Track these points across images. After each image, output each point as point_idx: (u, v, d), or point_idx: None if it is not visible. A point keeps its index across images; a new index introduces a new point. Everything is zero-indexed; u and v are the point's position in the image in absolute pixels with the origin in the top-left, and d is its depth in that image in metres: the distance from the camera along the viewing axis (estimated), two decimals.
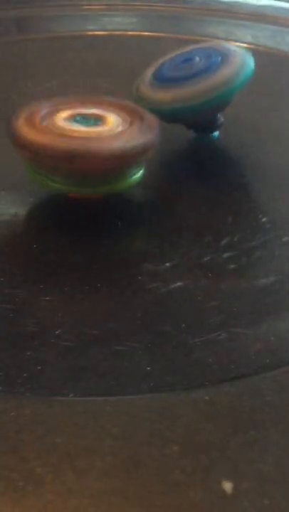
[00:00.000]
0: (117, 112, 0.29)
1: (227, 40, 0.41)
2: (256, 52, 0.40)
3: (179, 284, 0.26)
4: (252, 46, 0.41)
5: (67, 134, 0.28)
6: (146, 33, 0.43)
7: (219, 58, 0.31)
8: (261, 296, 0.26)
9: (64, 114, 0.29)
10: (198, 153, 0.33)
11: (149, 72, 0.32)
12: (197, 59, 0.31)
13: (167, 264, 0.27)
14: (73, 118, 0.29)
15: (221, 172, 0.31)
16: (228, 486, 0.18)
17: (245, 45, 0.41)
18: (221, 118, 0.32)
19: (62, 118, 0.28)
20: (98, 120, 0.29)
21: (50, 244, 0.28)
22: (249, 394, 0.21)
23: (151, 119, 0.29)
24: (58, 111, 0.29)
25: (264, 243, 0.28)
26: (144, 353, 0.23)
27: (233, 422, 0.20)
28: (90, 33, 0.43)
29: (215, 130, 0.32)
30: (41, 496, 0.18)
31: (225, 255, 0.27)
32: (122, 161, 0.28)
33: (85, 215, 0.29)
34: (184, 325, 0.24)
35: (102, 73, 0.38)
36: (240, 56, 0.31)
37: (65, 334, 0.24)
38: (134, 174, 0.29)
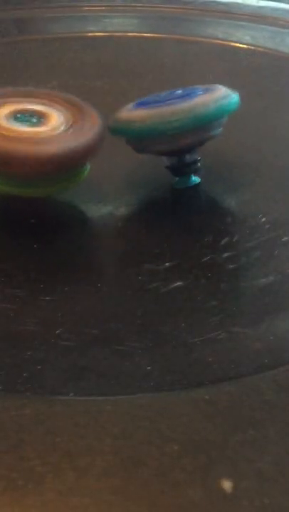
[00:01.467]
0: (60, 109, 0.29)
1: (227, 41, 0.41)
2: (256, 53, 0.40)
3: (179, 284, 0.26)
4: (251, 47, 0.41)
5: (7, 135, 0.27)
6: (147, 34, 0.43)
7: (202, 92, 0.29)
8: (261, 296, 0.26)
9: (6, 109, 0.28)
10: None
11: (129, 105, 0.30)
12: (180, 91, 0.29)
13: (167, 264, 0.27)
14: (15, 115, 0.28)
15: (220, 172, 0.31)
16: (227, 485, 0.18)
17: (244, 45, 0.41)
18: (199, 161, 0.30)
19: (4, 115, 0.28)
20: (41, 118, 0.28)
21: (50, 244, 0.28)
22: (249, 393, 0.21)
23: (94, 118, 0.28)
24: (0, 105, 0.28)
25: (263, 243, 0.28)
26: (144, 353, 0.23)
27: (233, 421, 0.20)
28: (90, 34, 0.43)
29: (192, 172, 0.30)
30: (41, 495, 0.18)
31: (224, 255, 0.27)
32: (61, 165, 0.27)
33: (84, 216, 0.29)
34: (183, 325, 0.24)
35: (102, 74, 0.38)
36: (224, 90, 0.29)
37: (66, 334, 0.24)
38: (80, 173, 0.29)
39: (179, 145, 0.29)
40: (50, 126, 0.28)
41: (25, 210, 0.29)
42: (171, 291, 0.25)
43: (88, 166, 0.29)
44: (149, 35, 0.43)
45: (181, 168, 0.30)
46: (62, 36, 0.42)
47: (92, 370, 0.23)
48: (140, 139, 0.29)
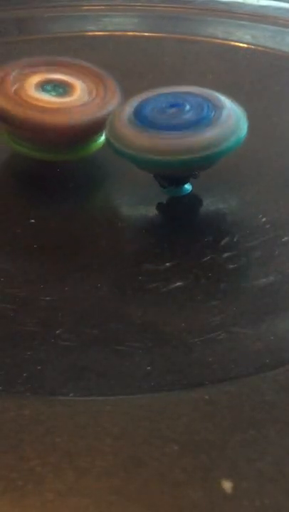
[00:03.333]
0: (84, 80, 0.31)
1: (227, 40, 0.41)
2: (256, 53, 0.40)
3: (179, 284, 0.26)
4: (252, 46, 0.41)
5: (37, 104, 0.29)
6: (147, 34, 0.43)
7: (212, 114, 0.28)
8: (261, 296, 0.26)
9: (34, 79, 0.30)
10: None
11: (129, 107, 0.29)
12: (187, 107, 0.28)
13: (167, 264, 0.27)
14: (42, 86, 0.30)
15: (220, 172, 0.31)
16: (227, 485, 0.18)
17: (245, 45, 0.41)
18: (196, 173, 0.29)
19: (32, 85, 0.30)
20: (66, 88, 0.30)
21: (50, 244, 0.28)
22: (249, 393, 0.21)
23: (114, 89, 0.31)
24: (28, 75, 0.31)
25: (264, 243, 0.28)
26: (144, 353, 0.23)
27: (233, 421, 0.20)
28: (90, 33, 0.43)
29: (185, 182, 0.29)
30: (41, 496, 0.18)
31: (225, 255, 0.27)
32: (85, 133, 0.30)
33: (84, 216, 0.29)
34: (183, 325, 0.24)
35: None
36: (235, 117, 0.28)
37: (65, 334, 0.24)
38: (97, 140, 0.30)
39: (181, 173, 0.29)
40: (76, 96, 0.30)
41: (25, 209, 0.29)
42: (171, 291, 0.25)
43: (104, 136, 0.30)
44: (149, 34, 0.43)
45: (173, 179, 0.29)
46: (62, 36, 0.42)
47: (92, 370, 0.23)
48: (137, 163, 0.28)
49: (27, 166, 0.31)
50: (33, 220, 0.29)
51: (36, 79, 0.30)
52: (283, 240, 0.28)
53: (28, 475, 0.19)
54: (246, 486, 0.18)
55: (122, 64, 0.39)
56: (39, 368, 0.23)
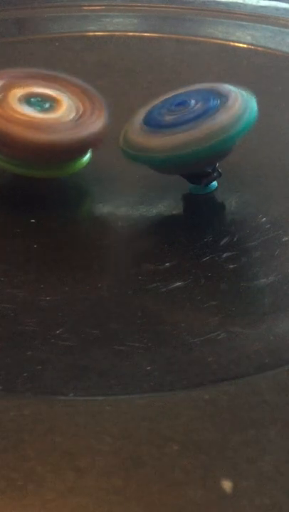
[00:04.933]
0: (71, 97, 0.29)
1: (227, 40, 0.41)
2: (256, 53, 0.40)
3: (178, 284, 0.26)
4: (251, 47, 0.41)
5: (20, 119, 0.28)
6: (147, 34, 0.43)
7: (218, 101, 0.28)
8: (261, 296, 0.26)
9: (19, 91, 0.29)
10: None
11: (138, 118, 0.29)
12: (193, 102, 0.28)
13: (167, 264, 0.27)
14: (28, 99, 0.29)
15: (219, 172, 0.31)
16: (227, 485, 0.18)
17: (244, 45, 0.41)
18: (218, 169, 0.29)
19: (17, 97, 0.29)
20: (52, 103, 0.29)
21: (50, 244, 0.28)
22: (248, 393, 0.21)
23: (100, 107, 0.29)
24: (13, 86, 0.29)
25: (263, 243, 0.28)
26: (144, 352, 0.23)
27: (233, 421, 0.20)
28: (91, 33, 0.43)
29: (211, 181, 0.30)
30: (41, 495, 0.18)
31: (224, 255, 0.27)
32: (65, 153, 0.28)
33: (84, 216, 0.29)
34: (183, 325, 0.24)
35: (102, 74, 0.38)
36: (241, 99, 0.28)
37: (66, 334, 0.24)
38: (81, 159, 0.29)
39: (200, 166, 0.29)
40: (61, 112, 0.29)
41: (25, 209, 0.29)
42: (171, 291, 0.25)
43: (90, 153, 0.29)
44: (149, 34, 0.43)
45: (200, 177, 0.29)
46: (63, 36, 0.42)
47: (92, 370, 0.23)
48: (156, 167, 0.28)
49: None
50: (33, 220, 0.29)
51: (21, 91, 0.29)
52: (283, 239, 0.28)
53: (28, 475, 0.19)
54: (246, 486, 0.18)
55: (122, 64, 0.39)
56: (39, 367, 0.23)
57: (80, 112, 0.29)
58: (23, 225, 0.29)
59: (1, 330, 0.24)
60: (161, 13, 0.45)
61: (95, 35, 0.43)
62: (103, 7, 0.45)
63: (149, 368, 0.23)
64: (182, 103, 0.28)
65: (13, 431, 0.20)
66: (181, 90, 0.30)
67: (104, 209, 0.30)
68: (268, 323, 0.25)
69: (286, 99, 0.37)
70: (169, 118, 0.28)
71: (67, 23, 0.44)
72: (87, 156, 0.29)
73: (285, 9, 0.45)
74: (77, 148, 0.28)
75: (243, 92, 0.28)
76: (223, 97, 0.28)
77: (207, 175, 0.29)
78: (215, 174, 0.29)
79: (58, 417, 0.20)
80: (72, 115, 0.28)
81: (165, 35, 0.42)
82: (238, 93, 0.28)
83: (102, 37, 0.43)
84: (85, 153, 0.29)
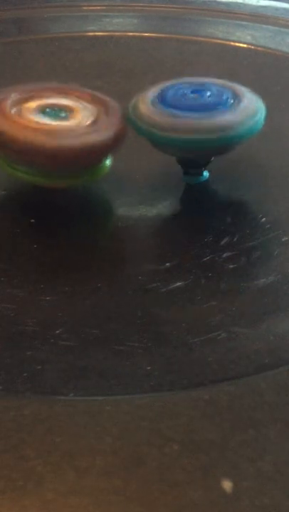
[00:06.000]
0: (86, 105, 0.29)
1: (227, 40, 0.41)
2: (256, 53, 0.40)
3: (179, 284, 0.26)
4: (252, 47, 0.41)
5: (34, 127, 0.28)
6: (147, 34, 0.43)
7: (232, 100, 0.29)
8: (261, 295, 0.26)
9: (33, 103, 0.29)
10: None
11: (151, 93, 0.29)
12: (208, 93, 0.29)
13: (167, 264, 0.27)
14: (43, 110, 0.29)
15: (220, 172, 0.31)
16: (227, 485, 0.18)
17: (245, 45, 0.41)
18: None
19: (32, 109, 0.28)
20: (67, 112, 0.29)
21: (50, 244, 0.28)
22: (249, 393, 0.21)
23: (117, 114, 0.29)
24: (27, 99, 0.29)
25: (263, 243, 0.28)
26: (144, 352, 0.23)
27: (233, 421, 0.20)
28: (90, 33, 0.43)
29: (203, 167, 0.30)
30: (41, 495, 0.18)
31: (224, 255, 0.27)
32: (81, 159, 0.28)
33: (85, 216, 0.29)
34: (184, 325, 0.24)
35: (102, 74, 0.38)
36: (253, 106, 0.29)
37: (66, 334, 0.24)
38: (102, 166, 0.29)
39: (198, 155, 0.29)
40: (77, 120, 0.28)
41: (25, 209, 0.29)
42: (171, 291, 0.25)
43: (109, 161, 0.29)
44: (149, 34, 0.43)
45: (193, 164, 0.30)
46: (63, 36, 0.42)
47: (92, 370, 0.23)
48: (156, 143, 0.29)
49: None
50: (33, 220, 0.29)
51: (36, 103, 0.29)
52: (283, 239, 0.28)
53: (28, 475, 0.19)
54: (246, 486, 0.18)
55: (122, 64, 0.39)
56: (39, 367, 0.23)
57: (95, 118, 0.28)
58: (23, 225, 0.29)
59: (1, 330, 0.24)
60: (162, 13, 0.45)
61: (95, 35, 0.43)
62: (103, 7, 0.45)
63: (149, 368, 0.23)
64: (198, 91, 0.29)
65: (13, 431, 0.20)
66: (197, 79, 0.30)
67: (104, 209, 0.30)
68: (267, 323, 0.25)
69: (286, 99, 0.37)
70: (182, 101, 0.29)
71: (67, 23, 0.44)
72: (108, 162, 0.29)
73: (285, 9, 0.45)
74: (94, 153, 0.28)
75: (256, 100, 0.29)
76: (237, 98, 0.29)
77: (197, 166, 0.30)
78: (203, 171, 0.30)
79: (58, 417, 0.20)
80: (88, 121, 0.28)
81: (165, 35, 0.42)
82: (251, 99, 0.29)
83: (102, 37, 0.43)
84: (104, 158, 0.29)
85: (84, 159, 0.28)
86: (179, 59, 0.41)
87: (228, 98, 0.29)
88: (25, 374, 0.22)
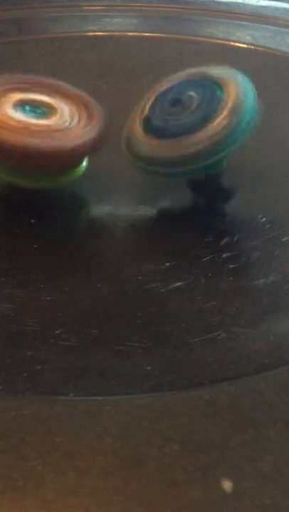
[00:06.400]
0: (66, 102, 0.29)
1: (227, 40, 0.41)
2: (256, 53, 0.40)
3: (179, 284, 0.26)
4: (252, 47, 0.41)
5: (17, 126, 0.27)
6: (147, 34, 0.43)
7: (216, 95, 0.28)
8: (260, 295, 0.26)
9: (12, 98, 0.28)
10: None
11: (137, 125, 0.28)
12: (189, 97, 0.28)
13: (167, 264, 0.27)
14: (23, 106, 0.28)
15: (220, 172, 0.31)
16: (227, 485, 0.18)
17: (245, 45, 0.41)
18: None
19: (11, 103, 0.28)
20: (48, 110, 0.28)
21: (50, 244, 0.28)
22: (248, 393, 0.21)
23: (98, 115, 0.28)
24: (8, 92, 0.28)
25: (263, 243, 0.28)
26: (144, 353, 0.23)
27: (233, 421, 0.20)
28: (90, 33, 0.43)
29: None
30: (42, 495, 0.18)
31: (224, 255, 0.27)
32: (61, 161, 0.28)
33: (85, 216, 0.29)
34: (184, 325, 0.24)
35: (102, 74, 0.38)
36: (239, 89, 0.28)
37: (66, 334, 0.24)
38: (77, 168, 0.29)
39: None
40: (56, 119, 0.28)
41: (25, 210, 0.29)
42: (171, 291, 0.25)
43: (85, 163, 0.29)
44: (149, 34, 0.43)
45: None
46: (63, 36, 0.42)
47: (92, 370, 0.23)
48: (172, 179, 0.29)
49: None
50: (33, 220, 0.29)
51: (16, 97, 0.28)
52: (283, 239, 0.28)
53: (28, 475, 0.19)
54: (246, 486, 0.18)
55: (122, 64, 0.39)
56: (39, 367, 0.23)
57: (76, 120, 0.28)
58: (23, 225, 0.29)
59: (1, 330, 0.24)
60: (162, 13, 0.45)
61: (95, 35, 0.43)
62: (103, 7, 0.45)
63: (149, 368, 0.23)
64: (178, 100, 0.28)
65: (13, 431, 0.20)
66: (171, 80, 0.29)
67: (104, 209, 0.30)
68: (267, 323, 0.25)
69: (286, 99, 0.37)
70: (171, 123, 0.28)
71: (67, 23, 0.44)
72: (83, 165, 0.29)
73: (284, 9, 0.45)
74: (71, 157, 0.28)
75: (237, 77, 0.28)
76: (218, 87, 0.28)
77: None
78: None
79: (58, 417, 0.20)
80: (66, 123, 0.28)
81: (165, 35, 0.42)
82: (232, 81, 0.28)
83: (102, 37, 0.43)
84: (79, 162, 0.29)
85: (62, 161, 0.28)
86: (179, 59, 0.41)
87: (211, 94, 0.28)
88: (25, 374, 0.22)
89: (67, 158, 0.28)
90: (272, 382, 0.21)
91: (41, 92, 0.29)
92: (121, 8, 0.45)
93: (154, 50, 0.41)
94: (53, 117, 0.28)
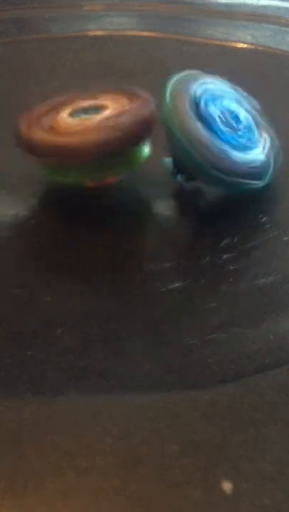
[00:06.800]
0: (115, 97, 0.30)
1: (227, 40, 0.41)
2: (256, 52, 0.40)
3: (179, 284, 0.26)
4: (252, 46, 0.41)
5: (65, 130, 0.28)
6: (147, 34, 0.43)
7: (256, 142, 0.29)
8: (261, 296, 0.26)
9: (65, 111, 0.29)
10: None
11: (184, 104, 0.29)
12: (243, 116, 0.29)
13: (167, 264, 0.27)
14: (74, 113, 0.29)
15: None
16: (227, 486, 0.18)
17: (245, 45, 0.41)
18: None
19: (65, 115, 0.29)
20: (98, 109, 0.29)
21: (51, 244, 0.28)
22: (249, 393, 0.21)
23: (145, 98, 0.29)
24: (58, 110, 0.29)
25: (264, 243, 0.28)
26: (144, 353, 0.23)
27: (233, 421, 0.20)
28: (90, 33, 0.43)
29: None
30: (42, 495, 0.18)
31: (224, 255, 0.27)
32: (117, 142, 0.28)
33: (84, 216, 0.29)
34: (183, 325, 0.24)
35: (102, 74, 0.38)
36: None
37: (66, 334, 0.24)
38: (140, 152, 0.29)
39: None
40: (108, 110, 0.29)
41: (26, 209, 0.30)
42: (171, 291, 0.25)
43: (145, 148, 0.29)
44: (148, 34, 0.43)
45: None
46: (63, 36, 0.42)
47: (92, 370, 0.23)
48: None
49: None
50: (33, 220, 0.29)
51: (67, 110, 0.29)
52: (283, 239, 0.28)
53: (28, 475, 0.19)
54: (246, 486, 0.18)
55: (122, 64, 0.39)
56: (39, 368, 0.23)
57: (127, 103, 0.29)
58: (23, 225, 0.29)
59: (1, 330, 0.24)
60: (161, 13, 0.45)
61: (95, 35, 0.43)
62: (103, 7, 0.45)
63: (149, 368, 0.23)
64: (236, 117, 0.29)
65: (14, 431, 0.20)
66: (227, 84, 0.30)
67: (104, 209, 0.30)
68: (267, 323, 0.25)
69: (286, 99, 0.37)
70: (222, 129, 0.29)
71: (67, 23, 0.44)
72: (147, 150, 0.29)
73: (285, 9, 0.45)
74: (125, 137, 0.28)
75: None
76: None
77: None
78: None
79: (58, 417, 0.20)
80: (118, 110, 0.29)
81: (165, 36, 0.42)
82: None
83: (102, 37, 0.43)
84: (139, 141, 0.29)
85: (121, 142, 0.28)
86: (178, 59, 0.41)
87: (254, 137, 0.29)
88: (25, 374, 0.22)
89: (122, 138, 0.28)
90: (272, 382, 0.21)
91: (89, 99, 0.30)
92: (121, 7, 0.45)
93: (153, 50, 0.41)
94: (104, 111, 0.29)
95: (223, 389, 0.21)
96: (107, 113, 0.29)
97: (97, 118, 0.29)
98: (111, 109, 0.29)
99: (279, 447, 0.19)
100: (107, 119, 0.28)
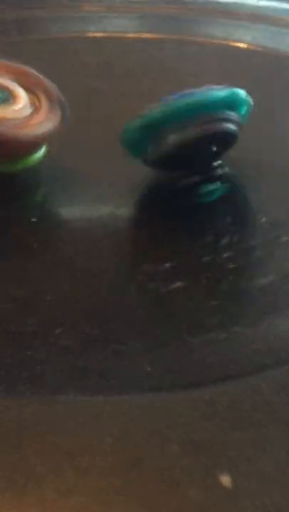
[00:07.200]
0: (30, 90, 0.30)
1: (227, 40, 0.41)
2: (256, 53, 0.40)
3: (179, 284, 0.26)
4: (251, 47, 0.41)
5: None
6: (146, 35, 0.43)
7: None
8: (260, 295, 0.26)
9: None
10: None
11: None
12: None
13: (167, 264, 0.27)
14: None
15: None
16: (226, 479, 0.18)
17: (244, 45, 0.41)
18: (223, 166, 0.30)
19: None
20: (8, 96, 0.29)
21: (51, 244, 0.28)
22: (248, 393, 0.21)
23: (57, 106, 0.29)
24: None
25: (263, 243, 0.28)
26: (144, 353, 0.23)
27: (233, 421, 0.20)
28: (90, 34, 0.43)
29: (216, 180, 0.30)
30: (42, 495, 0.18)
31: (224, 255, 0.27)
32: (26, 147, 0.29)
33: (84, 217, 0.29)
34: (184, 325, 0.24)
35: (102, 74, 0.38)
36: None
37: (65, 334, 0.24)
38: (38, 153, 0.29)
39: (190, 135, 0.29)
40: (18, 106, 0.29)
41: (25, 209, 0.30)
42: (171, 291, 0.25)
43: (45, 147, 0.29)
44: (148, 35, 0.43)
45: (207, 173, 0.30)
46: (62, 36, 0.42)
47: (92, 370, 0.23)
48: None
49: None
50: (33, 220, 0.29)
51: None
52: (283, 239, 0.28)
53: (28, 474, 0.19)
54: (246, 485, 0.18)
55: (122, 64, 0.39)
56: (39, 367, 0.23)
57: (37, 103, 0.29)
58: (23, 225, 0.29)
59: (1, 330, 0.24)
60: (162, 13, 0.45)
61: (95, 36, 0.43)
62: (103, 7, 0.45)
63: (149, 368, 0.23)
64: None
65: (14, 430, 0.20)
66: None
67: (104, 209, 0.30)
68: (267, 322, 0.25)
69: (286, 99, 0.37)
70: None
71: (67, 23, 0.44)
72: (42, 152, 0.30)
73: (284, 9, 0.45)
74: (27, 146, 0.29)
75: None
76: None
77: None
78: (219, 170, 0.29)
79: (58, 417, 0.20)
80: (27, 111, 0.29)
81: (165, 36, 0.42)
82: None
83: (101, 38, 0.43)
84: (36, 150, 0.29)
85: (18, 150, 0.29)
86: (178, 59, 0.41)
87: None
88: (25, 374, 0.22)
89: (22, 147, 0.29)
90: (272, 382, 0.21)
91: (7, 78, 0.30)
92: (121, 8, 0.45)
93: (153, 50, 0.41)
94: (14, 105, 0.29)
95: (223, 389, 0.21)
96: (15, 107, 0.29)
97: (9, 110, 0.28)
98: (22, 104, 0.29)
99: (279, 447, 0.19)
100: (25, 118, 0.28)
